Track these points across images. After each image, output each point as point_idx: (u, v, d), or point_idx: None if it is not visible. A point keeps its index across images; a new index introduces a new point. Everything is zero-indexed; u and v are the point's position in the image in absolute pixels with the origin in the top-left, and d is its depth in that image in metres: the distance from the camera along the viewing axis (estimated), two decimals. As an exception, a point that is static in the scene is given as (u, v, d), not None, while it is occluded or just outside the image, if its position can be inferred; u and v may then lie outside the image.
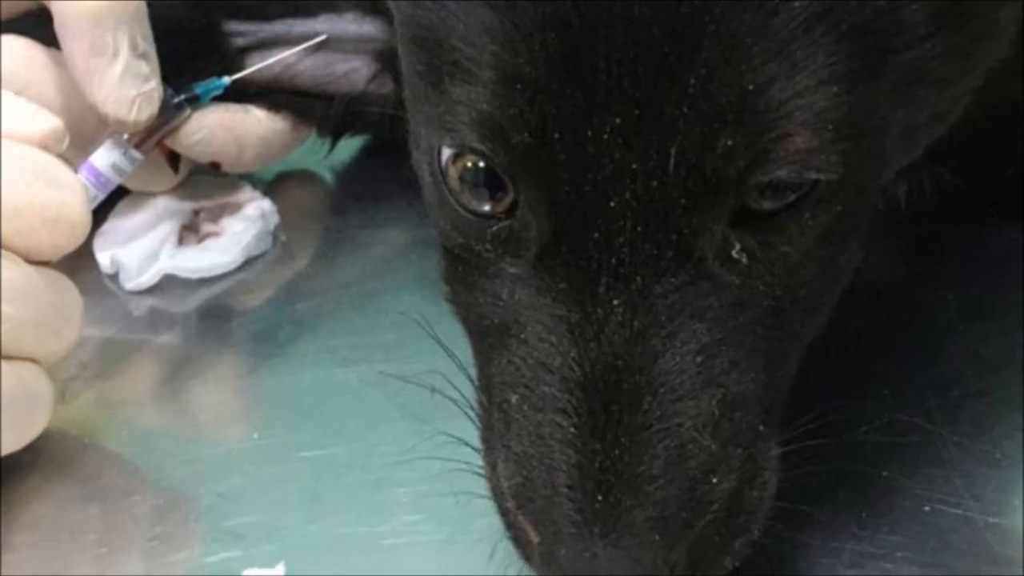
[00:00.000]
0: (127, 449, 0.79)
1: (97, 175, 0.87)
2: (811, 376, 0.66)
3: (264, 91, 0.99)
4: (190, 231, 0.97)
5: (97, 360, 0.87)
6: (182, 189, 0.99)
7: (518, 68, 0.54)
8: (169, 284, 0.95)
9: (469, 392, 0.68)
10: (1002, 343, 0.78)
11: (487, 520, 0.64)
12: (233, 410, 0.83)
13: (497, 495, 0.63)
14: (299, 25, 0.97)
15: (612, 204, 0.55)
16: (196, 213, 0.98)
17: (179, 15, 0.95)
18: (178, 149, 0.95)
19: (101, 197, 0.88)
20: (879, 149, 0.61)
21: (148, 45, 0.87)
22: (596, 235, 0.56)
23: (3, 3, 0.90)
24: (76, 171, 0.83)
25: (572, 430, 0.57)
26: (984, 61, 0.65)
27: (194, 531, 0.72)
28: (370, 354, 0.85)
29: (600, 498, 0.57)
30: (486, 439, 0.64)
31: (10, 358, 0.72)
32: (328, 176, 1.09)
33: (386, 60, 0.96)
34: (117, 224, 0.97)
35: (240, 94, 0.97)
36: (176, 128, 0.92)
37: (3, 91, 0.81)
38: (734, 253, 0.57)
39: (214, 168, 0.99)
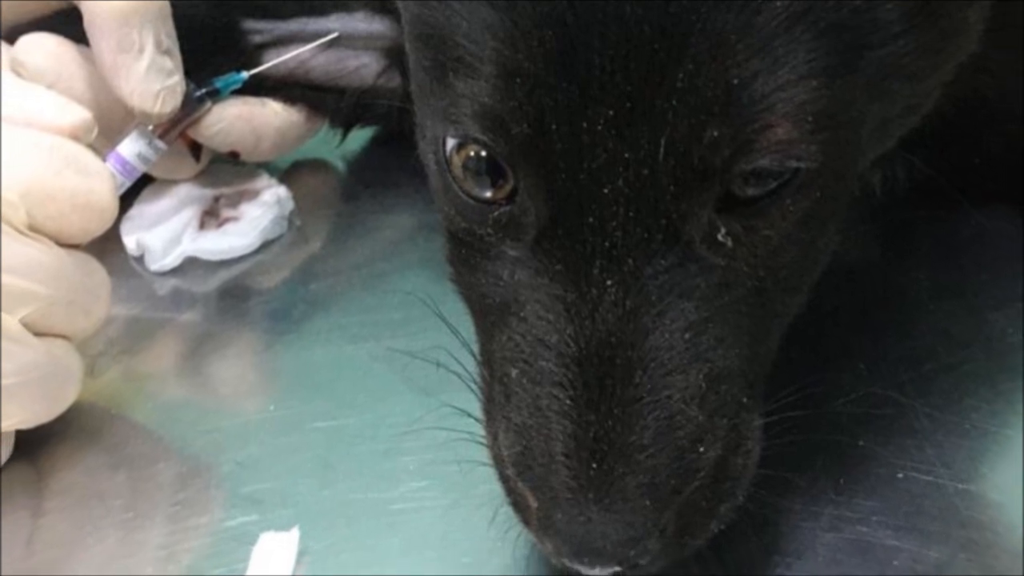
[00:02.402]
0: (152, 420, 0.79)
1: (124, 163, 0.87)
2: (792, 351, 0.66)
3: (280, 85, 0.98)
4: (211, 216, 0.97)
5: (124, 337, 0.87)
6: (203, 177, 0.99)
7: (518, 63, 0.54)
8: (191, 266, 0.95)
9: (472, 367, 0.67)
10: (970, 321, 0.78)
11: (489, 487, 0.64)
12: (251, 383, 0.83)
13: (498, 463, 0.63)
14: (313, 23, 0.97)
15: (605, 191, 0.55)
16: (216, 199, 0.98)
17: (200, 14, 0.95)
18: (199, 139, 0.95)
19: (127, 184, 0.88)
20: (855, 139, 0.61)
21: (172, 42, 0.87)
22: (591, 220, 0.56)
23: (37, 3, 0.90)
24: (104, 160, 0.82)
25: (568, 402, 0.57)
26: (953, 57, 0.64)
27: (214, 497, 0.72)
28: (379, 331, 0.85)
29: (594, 466, 0.57)
30: (488, 411, 0.64)
31: (42, 335, 0.72)
32: (340, 164, 1.09)
33: (394, 56, 0.96)
34: (142, 209, 0.97)
35: (257, 88, 0.97)
36: (198, 120, 0.92)
37: (36, 85, 0.81)
38: (720, 236, 0.57)
39: (233, 157, 0.98)
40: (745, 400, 0.61)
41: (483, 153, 0.58)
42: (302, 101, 1.00)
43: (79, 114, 0.77)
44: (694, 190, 0.55)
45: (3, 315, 0.69)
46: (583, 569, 0.59)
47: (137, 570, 0.68)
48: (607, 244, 0.56)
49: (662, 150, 0.53)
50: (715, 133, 0.53)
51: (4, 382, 0.69)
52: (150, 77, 0.85)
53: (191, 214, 0.96)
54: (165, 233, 0.95)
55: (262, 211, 0.97)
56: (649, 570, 0.59)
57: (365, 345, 0.84)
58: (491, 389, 0.64)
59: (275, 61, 0.96)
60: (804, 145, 0.55)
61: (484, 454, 0.64)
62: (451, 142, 0.59)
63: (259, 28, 0.97)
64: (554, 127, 0.54)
